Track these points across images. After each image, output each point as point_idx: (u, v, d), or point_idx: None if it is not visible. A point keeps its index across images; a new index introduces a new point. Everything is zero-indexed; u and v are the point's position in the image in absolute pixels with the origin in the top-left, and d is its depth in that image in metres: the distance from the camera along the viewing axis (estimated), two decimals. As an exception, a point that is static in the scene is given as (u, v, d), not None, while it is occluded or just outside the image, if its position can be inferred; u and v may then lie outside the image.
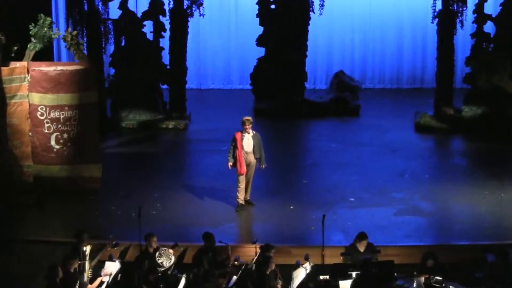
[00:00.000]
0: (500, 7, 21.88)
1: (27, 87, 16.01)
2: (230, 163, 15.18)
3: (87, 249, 12.26)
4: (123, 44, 22.31)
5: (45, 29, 15.92)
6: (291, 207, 15.68)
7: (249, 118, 15.13)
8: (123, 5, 22.10)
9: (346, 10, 26.56)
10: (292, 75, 23.10)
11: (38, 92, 16.05)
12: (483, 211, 15.44)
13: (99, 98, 17.01)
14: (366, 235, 12.70)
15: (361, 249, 12.66)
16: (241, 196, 15.33)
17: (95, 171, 16.33)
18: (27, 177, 16.16)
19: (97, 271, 12.26)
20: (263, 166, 15.36)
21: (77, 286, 11.46)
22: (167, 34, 22.52)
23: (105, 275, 12.04)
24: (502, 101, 21.21)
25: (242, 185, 15.25)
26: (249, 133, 15.06)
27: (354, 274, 11.85)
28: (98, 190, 16.31)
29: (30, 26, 15.94)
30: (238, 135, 15.09)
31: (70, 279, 11.39)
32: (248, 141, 15.06)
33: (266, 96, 23.32)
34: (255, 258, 12.41)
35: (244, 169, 15.10)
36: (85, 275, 12.13)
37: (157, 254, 12.51)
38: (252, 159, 15.17)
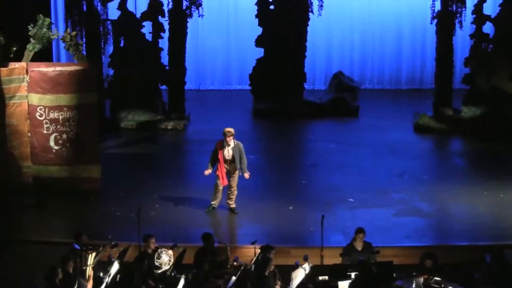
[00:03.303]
0: (499, 8, 21.87)
1: (26, 88, 16.00)
2: (208, 171, 15.19)
3: (92, 256, 12.23)
4: (122, 44, 22.31)
5: (44, 29, 15.92)
6: (290, 208, 15.69)
7: (231, 129, 15.03)
8: (122, 5, 22.10)
9: (345, 11, 26.55)
10: (291, 76, 23.10)
11: (37, 93, 16.04)
12: (482, 212, 15.45)
13: (98, 99, 17.01)
14: (363, 229, 12.73)
15: (359, 248, 12.68)
16: (216, 200, 15.36)
17: (94, 171, 16.31)
18: (27, 177, 16.16)
19: (96, 272, 12.26)
20: (246, 174, 15.24)
21: (76, 286, 11.46)
22: (166, 35, 22.51)
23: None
24: (501, 102, 21.22)
25: (219, 190, 15.26)
26: (229, 145, 15.02)
27: (353, 274, 11.86)
28: (97, 191, 16.31)
29: (29, 26, 15.94)
30: (219, 145, 15.06)
31: (69, 279, 11.39)
32: (228, 153, 15.03)
33: (265, 96, 23.31)
34: (254, 259, 12.42)
35: (225, 181, 15.13)
36: (86, 275, 12.12)
37: (156, 255, 12.52)
38: (233, 168, 15.14)
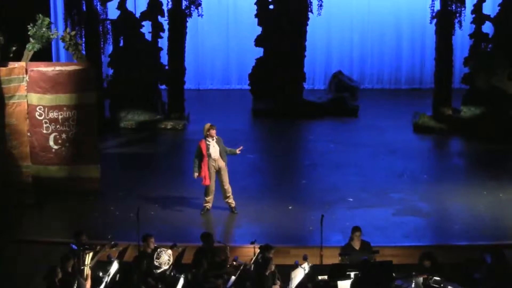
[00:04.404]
0: (499, 8, 21.89)
1: (26, 88, 16.01)
2: (197, 174, 15.12)
3: (89, 256, 12.24)
4: (121, 44, 22.32)
5: (44, 29, 15.93)
6: (290, 207, 15.69)
7: (212, 124, 15.04)
8: (122, 5, 22.10)
9: (344, 10, 26.58)
10: (290, 75, 23.10)
11: (36, 93, 16.05)
12: (481, 212, 15.45)
13: (97, 99, 17.02)
14: (359, 228, 12.76)
15: (357, 247, 12.69)
16: (209, 201, 15.28)
17: (93, 171, 16.32)
18: (26, 177, 16.15)
19: (96, 271, 12.27)
20: (239, 149, 15.19)
21: (75, 286, 11.46)
22: (165, 34, 22.53)
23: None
24: (501, 102, 21.23)
25: (210, 192, 15.19)
26: (213, 139, 14.99)
27: (352, 274, 11.86)
28: (97, 191, 16.31)
29: (28, 26, 15.94)
30: (203, 144, 14.98)
31: (69, 279, 11.40)
32: (214, 148, 14.95)
33: (265, 96, 23.32)
34: (253, 259, 12.42)
35: (208, 180, 15.04)
36: (84, 275, 12.12)
37: (155, 254, 12.53)
38: (221, 163, 15.06)
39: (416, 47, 26.88)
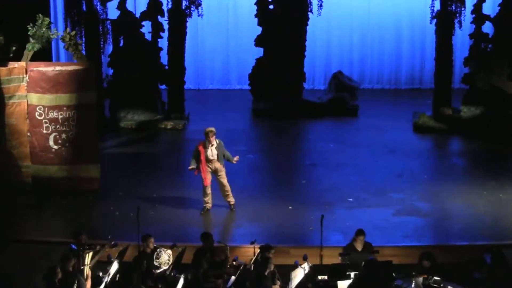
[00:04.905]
0: (499, 8, 21.88)
1: (26, 88, 16.01)
2: (193, 166, 15.11)
3: (89, 256, 12.24)
4: (121, 44, 22.32)
5: (44, 29, 15.93)
6: (290, 207, 15.68)
7: (213, 129, 15.01)
8: (122, 5, 22.10)
9: (344, 11, 26.57)
10: (290, 76, 23.10)
11: (36, 93, 16.05)
12: (481, 212, 15.44)
13: (97, 99, 17.01)
14: (363, 231, 12.74)
15: (359, 248, 12.69)
16: (208, 201, 15.29)
17: (93, 171, 16.34)
18: (26, 177, 16.16)
19: (95, 271, 12.27)
20: (236, 158, 15.23)
21: (75, 286, 11.46)
22: (165, 34, 22.53)
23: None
24: (501, 102, 21.22)
25: (208, 192, 15.20)
26: (213, 144, 14.99)
27: (352, 274, 11.86)
28: (97, 191, 16.31)
29: (28, 26, 15.95)
30: (201, 147, 15.01)
31: (69, 279, 11.40)
32: (212, 152, 14.99)
33: (265, 96, 23.32)
34: (253, 259, 12.43)
35: (207, 181, 15.08)
36: (84, 275, 12.12)
37: (155, 254, 12.53)
38: (217, 165, 15.07)
39: (416, 47, 26.86)
